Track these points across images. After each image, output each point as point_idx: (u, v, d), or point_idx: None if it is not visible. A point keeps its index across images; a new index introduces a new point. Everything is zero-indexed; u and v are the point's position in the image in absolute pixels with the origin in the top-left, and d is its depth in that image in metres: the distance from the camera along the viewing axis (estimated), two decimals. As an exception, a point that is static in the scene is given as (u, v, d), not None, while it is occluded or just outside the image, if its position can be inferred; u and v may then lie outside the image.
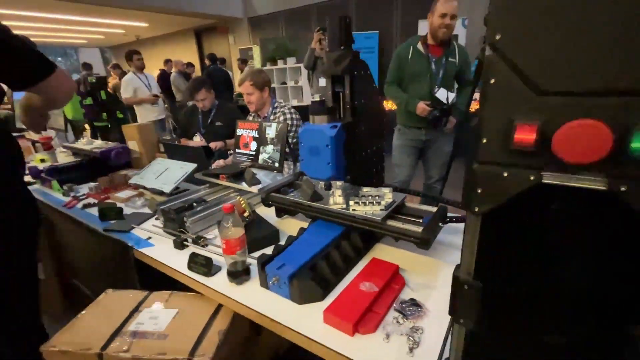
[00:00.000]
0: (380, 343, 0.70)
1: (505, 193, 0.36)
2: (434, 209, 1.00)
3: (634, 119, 0.28)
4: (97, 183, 1.77)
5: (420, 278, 0.90)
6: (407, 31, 5.75)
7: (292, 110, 2.09)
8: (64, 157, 2.35)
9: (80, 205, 1.59)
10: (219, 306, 0.95)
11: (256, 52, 6.99)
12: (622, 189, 0.30)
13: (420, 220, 0.94)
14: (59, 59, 15.17)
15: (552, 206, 0.37)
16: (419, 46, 2.05)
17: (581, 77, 0.30)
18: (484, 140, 0.36)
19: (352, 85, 0.91)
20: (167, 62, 6.76)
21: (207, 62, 6.12)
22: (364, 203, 0.96)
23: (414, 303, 0.80)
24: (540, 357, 0.44)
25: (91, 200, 1.64)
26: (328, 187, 1.06)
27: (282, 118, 2.05)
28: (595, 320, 0.37)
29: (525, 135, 0.33)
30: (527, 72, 0.32)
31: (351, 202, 0.97)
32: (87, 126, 2.46)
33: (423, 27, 4.90)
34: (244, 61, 7.19)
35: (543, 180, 0.34)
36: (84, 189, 1.79)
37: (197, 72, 9.14)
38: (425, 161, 2.32)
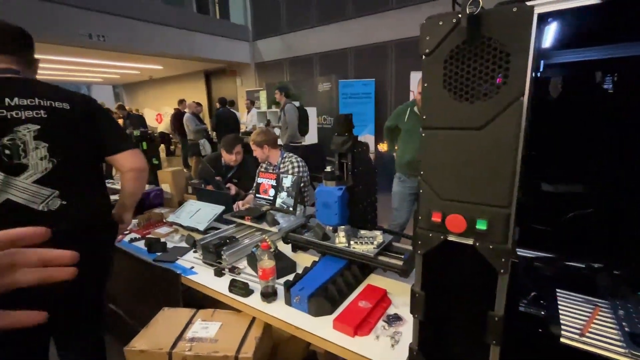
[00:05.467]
0: (372, 342, 1.03)
1: (431, 244, 0.73)
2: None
3: (477, 215, 0.66)
4: (137, 220, 2.12)
5: (402, 299, 1.24)
6: (401, 79, 6.41)
7: (299, 159, 2.49)
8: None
9: (127, 239, 1.93)
10: (253, 319, 1.27)
11: (262, 95, 7.62)
12: (477, 243, 0.67)
13: (403, 256, 1.29)
14: (71, 93, 15.89)
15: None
16: (415, 109, 2.51)
17: (454, 194, 0.68)
18: (420, 218, 0.73)
19: (353, 159, 1.31)
20: (181, 102, 7.33)
21: (217, 105, 6.68)
22: (361, 242, 1.32)
23: (396, 316, 1.13)
24: (454, 334, 0.78)
25: (135, 235, 1.98)
26: (334, 229, 1.42)
27: (290, 166, 2.45)
28: (474, 308, 0.72)
29: (436, 218, 0.70)
30: (435, 190, 0.70)
31: (352, 242, 1.33)
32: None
33: (415, 77, 5.50)
34: (252, 102, 7.82)
35: (448, 238, 0.71)
36: (126, 224, 2.13)
37: (205, 111, 9.78)
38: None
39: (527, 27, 0.56)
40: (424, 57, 0.65)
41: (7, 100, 1.03)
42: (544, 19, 0.58)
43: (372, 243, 1.32)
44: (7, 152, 1.02)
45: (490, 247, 0.66)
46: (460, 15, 0.58)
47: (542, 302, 0.85)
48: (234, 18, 9.06)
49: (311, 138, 6.54)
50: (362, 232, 1.42)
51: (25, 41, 1.18)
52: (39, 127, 1.07)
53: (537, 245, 1.07)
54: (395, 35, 6.23)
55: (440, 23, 0.62)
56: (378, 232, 1.40)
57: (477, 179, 0.65)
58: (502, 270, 0.66)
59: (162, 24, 6.89)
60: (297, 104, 5.06)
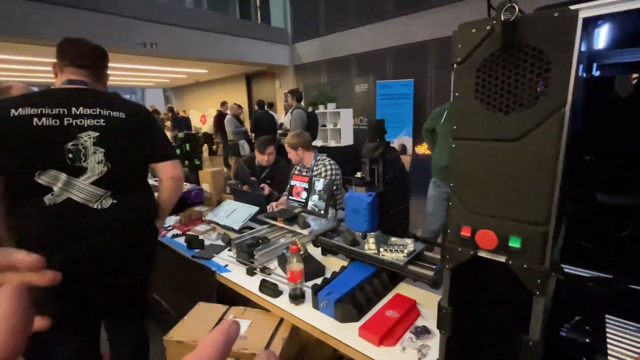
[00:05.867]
0: (398, 353, 1.01)
1: (459, 258, 0.70)
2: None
3: (510, 231, 0.62)
4: (179, 217, 2.26)
5: (432, 311, 1.19)
6: (441, 79, 6.19)
7: (332, 162, 2.50)
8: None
9: (169, 235, 2.06)
10: (281, 320, 1.31)
11: (300, 97, 7.73)
12: (510, 261, 0.63)
13: (434, 267, 1.25)
14: (127, 96, 17.38)
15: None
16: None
17: (485, 208, 0.64)
18: (449, 231, 0.71)
19: (384, 165, 1.29)
20: (223, 104, 7.70)
21: (255, 107, 6.90)
22: (391, 250, 1.30)
23: (425, 329, 1.10)
24: (485, 354, 0.74)
25: (176, 231, 2.12)
26: (364, 235, 1.41)
27: (323, 169, 2.46)
28: (508, 328, 0.68)
29: (465, 232, 0.67)
30: (465, 203, 0.67)
31: (381, 249, 1.31)
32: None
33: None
34: (290, 105, 7.98)
35: (478, 254, 0.68)
36: (169, 221, 2.29)
37: (245, 112, 10.15)
38: None
39: (570, 33, 0.52)
40: (455, 65, 0.63)
41: (73, 109, 1.15)
42: (591, 22, 0.53)
43: (402, 251, 1.29)
44: (70, 155, 1.14)
45: (525, 266, 0.62)
46: (494, 22, 0.55)
47: (587, 328, 0.78)
48: (274, 22, 9.32)
49: (347, 140, 6.53)
50: (393, 239, 1.39)
51: (99, 58, 1.32)
52: (98, 134, 1.18)
53: (589, 264, 0.98)
54: (436, 34, 6.01)
55: (473, 30, 0.59)
56: (409, 240, 1.36)
57: (510, 194, 0.61)
58: (537, 293, 0.61)
59: (208, 31, 7.27)
60: (309, 108, 5.14)
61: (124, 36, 6.03)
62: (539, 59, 0.54)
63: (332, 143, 6.51)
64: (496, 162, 0.62)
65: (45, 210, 1.12)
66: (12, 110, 1.08)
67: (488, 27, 0.58)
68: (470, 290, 0.72)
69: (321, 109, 6.71)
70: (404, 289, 1.34)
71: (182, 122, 8.11)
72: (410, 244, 1.33)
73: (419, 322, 1.14)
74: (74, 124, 1.15)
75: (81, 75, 1.25)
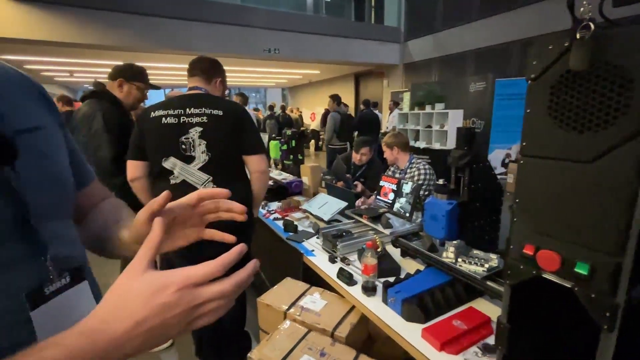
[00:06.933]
0: (459, 363, 1.01)
1: (520, 276, 0.69)
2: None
3: (578, 256, 0.59)
4: (280, 203, 2.61)
5: (508, 333, 1.12)
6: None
7: (427, 167, 2.45)
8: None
9: (272, 217, 2.42)
10: (353, 307, 1.43)
11: (406, 96, 7.57)
12: (576, 288, 0.60)
13: (518, 287, 1.16)
14: (253, 94, 20.03)
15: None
16: None
17: (551, 228, 0.62)
18: (511, 247, 0.70)
19: (470, 175, 1.26)
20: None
21: (361, 106, 7.09)
22: (470, 262, 1.26)
23: (494, 348, 1.05)
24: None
25: (277, 215, 2.46)
26: (443, 243, 1.40)
27: (416, 173, 2.44)
28: (567, 356, 0.64)
29: (528, 250, 0.66)
30: (530, 221, 0.66)
31: (459, 259, 1.29)
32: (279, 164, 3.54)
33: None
34: (395, 103, 7.91)
35: (542, 275, 0.66)
36: (272, 205, 2.66)
37: (352, 111, 10.47)
38: None
39: (661, 49, 0.47)
40: (529, 82, 0.63)
41: (187, 109, 1.50)
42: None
43: (482, 265, 1.24)
44: (183, 146, 1.50)
45: (593, 296, 0.58)
46: (571, 39, 0.54)
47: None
48: (387, 21, 9.29)
49: (453, 143, 6.09)
50: (476, 251, 1.34)
51: (212, 69, 1.66)
52: (202, 129, 1.49)
53: None
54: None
55: (550, 47, 0.59)
56: (494, 256, 1.29)
57: (580, 217, 0.58)
58: (605, 327, 0.57)
59: (323, 34, 7.81)
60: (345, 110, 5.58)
61: (253, 44, 7.04)
62: (619, 76, 0.51)
63: (436, 145, 6.19)
64: (566, 183, 0.59)
65: (171, 188, 1.49)
66: (152, 112, 1.50)
67: (565, 44, 0.56)
68: (532, 309, 0.70)
69: (427, 109, 6.43)
70: (481, 304, 1.28)
71: (289, 121, 8.88)
72: (494, 260, 1.27)
73: (490, 340, 1.09)
74: (186, 122, 1.49)
75: (197, 82, 1.61)
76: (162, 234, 0.40)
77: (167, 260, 2.38)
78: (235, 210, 0.55)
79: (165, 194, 0.49)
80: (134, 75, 1.98)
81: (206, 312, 0.36)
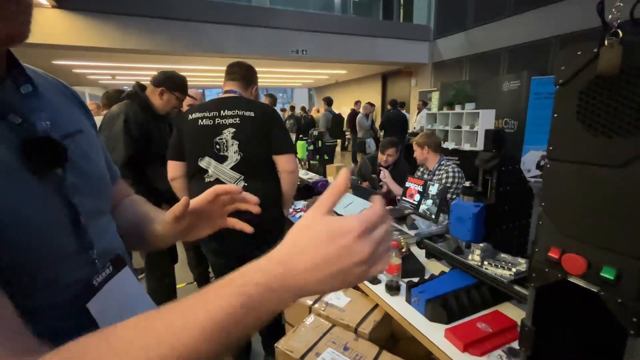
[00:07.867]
0: (482, 365, 1.01)
1: (545, 279, 0.69)
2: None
3: (604, 260, 0.59)
4: (307, 202, 2.67)
5: (535, 338, 1.11)
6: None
7: (456, 169, 2.41)
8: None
9: (297, 215, 2.48)
10: (376, 305, 1.46)
11: (435, 96, 7.40)
12: (602, 293, 0.60)
13: (547, 293, 1.14)
14: (280, 94, 20.35)
15: None
16: None
17: (577, 231, 0.62)
18: (537, 250, 0.71)
19: (498, 177, 1.24)
20: (357, 103, 8.14)
21: (388, 106, 7.03)
22: (496, 265, 1.25)
23: (520, 352, 1.04)
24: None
25: (302, 213, 2.51)
26: (468, 245, 1.39)
27: (445, 175, 2.41)
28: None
29: (553, 253, 0.66)
30: (557, 224, 0.66)
31: (485, 262, 1.28)
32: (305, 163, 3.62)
33: None
34: (424, 103, 7.76)
35: (568, 279, 0.66)
36: (298, 204, 2.73)
37: (378, 111, 10.39)
38: None
39: (696, 55, 0.47)
40: (557, 87, 0.63)
41: (222, 111, 1.57)
42: None
43: (510, 269, 1.23)
44: (217, 147, 1.57)
45: (619, 300, 0.58)
46: (600, 45, 0.55)
47: None
48: (417, 19, 9.12)
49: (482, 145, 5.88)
50: (503, 255, 1.32)
51: (248, 75, 1.73)
52: (234, 130, 1.56)
53: None
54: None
55: (579, 53, 0.59)
56: (522, 260, 1.27)
57: (608, 221, 0.58)
58: (632, 332, 0.57)
59: (351, 34, 7.81)
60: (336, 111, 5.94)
61: (281, 45, 7.17)
62: (650, 83, 0.51)
63: (466, 146, 6.01)
64: (593, 187, 0.60)
65: (205, 186, 1.53)
66: (189, 115, 1.59)
67: (594, 50, 0.57)
68: (557, 312, 0.71)
69: (457, 109, 6.26)
70: (508, 308, 1.27)
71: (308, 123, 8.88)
72: (522, 264, 1.25)
73: (516, 345, 1.08)
74: (221, 123, 1.56)
75: (233, 86, 1.68)
76: (345, 183, 0.40)
77: (197, 253, 2.51)
78: (251, 202, 0.62)
79: (184, 200, 0.58)
80: (176, 86, 2.07)
81: (381, 255, 0.36)
